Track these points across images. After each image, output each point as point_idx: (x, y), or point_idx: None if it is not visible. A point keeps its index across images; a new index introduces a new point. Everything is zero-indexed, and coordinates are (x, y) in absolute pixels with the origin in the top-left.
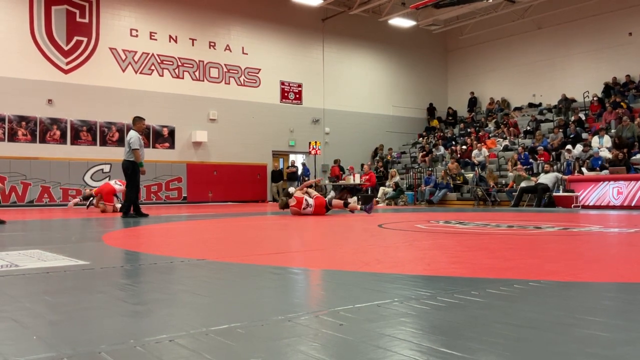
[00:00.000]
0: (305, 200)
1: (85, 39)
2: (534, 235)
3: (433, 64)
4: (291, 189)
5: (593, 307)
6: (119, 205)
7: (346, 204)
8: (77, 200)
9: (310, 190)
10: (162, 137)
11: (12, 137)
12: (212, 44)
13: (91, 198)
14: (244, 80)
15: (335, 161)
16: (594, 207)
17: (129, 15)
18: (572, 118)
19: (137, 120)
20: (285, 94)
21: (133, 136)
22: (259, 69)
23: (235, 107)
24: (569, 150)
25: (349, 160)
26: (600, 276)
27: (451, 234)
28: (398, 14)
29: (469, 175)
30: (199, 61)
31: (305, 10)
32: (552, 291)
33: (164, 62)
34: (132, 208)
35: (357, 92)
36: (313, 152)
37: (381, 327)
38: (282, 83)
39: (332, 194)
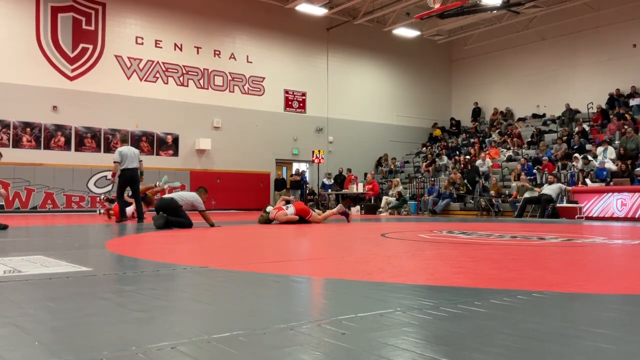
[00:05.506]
0: (286, 207)
1: (90, 46)
2: (537, 246)
3: (437, 73)
4: (269, 208)
5: (597, 318)
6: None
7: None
8: (107, 204)
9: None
10: (166, 145)
11: (17, 143)
12: (217, 52)
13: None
14: (248, 88)
15: (348, 170)
16: (598, 218)
17: (135, 23)
18: (576, 129)
19: (203, 191)
20: (289, 103)
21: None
22: (264, 78)
23: (239, 115)
24: (575, 159)
25: (352, 169)
26: (604, 288)
27: (454, 244)
28: (402, 24)
29: None
30: (204, 69)
31: (310, 19)
32: (556, 302)
33: (169, 69)
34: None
35: (361, 101)
36: (316, 161)
37: (384, 337)
38: (286, 92)
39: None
